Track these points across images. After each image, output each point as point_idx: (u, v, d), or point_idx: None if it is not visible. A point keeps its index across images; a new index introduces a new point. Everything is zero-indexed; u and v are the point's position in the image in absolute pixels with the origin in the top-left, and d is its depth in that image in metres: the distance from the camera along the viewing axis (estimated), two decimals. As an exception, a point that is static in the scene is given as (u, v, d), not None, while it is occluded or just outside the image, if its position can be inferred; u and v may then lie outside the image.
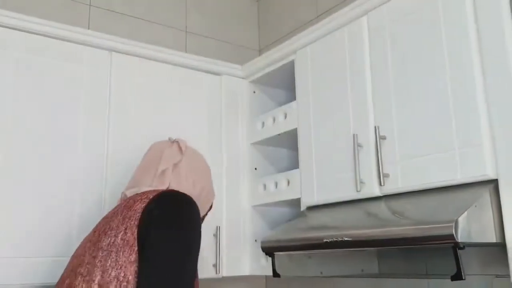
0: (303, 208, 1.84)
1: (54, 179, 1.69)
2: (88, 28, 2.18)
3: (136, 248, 1.18)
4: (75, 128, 1.76)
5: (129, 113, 1.88)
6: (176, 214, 1.25)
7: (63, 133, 1.74)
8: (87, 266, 1.21)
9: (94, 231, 1.33)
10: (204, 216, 1.54)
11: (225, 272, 1.99)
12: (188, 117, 2.04)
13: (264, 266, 1.97)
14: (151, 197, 1.27)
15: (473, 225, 1.20)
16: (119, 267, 1.16)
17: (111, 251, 1.19)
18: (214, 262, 1.95)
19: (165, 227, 1.22)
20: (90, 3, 2.27)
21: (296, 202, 1.91)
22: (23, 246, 1.59)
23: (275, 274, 1.72)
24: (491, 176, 1.27)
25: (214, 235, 1.98)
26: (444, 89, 1.39)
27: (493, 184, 1.27)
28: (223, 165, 2.09)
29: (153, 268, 1.15)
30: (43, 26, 1.76)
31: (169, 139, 1.55)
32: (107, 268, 1.17)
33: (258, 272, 2.02)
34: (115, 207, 1.37)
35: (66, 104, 1.76)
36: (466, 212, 1.18)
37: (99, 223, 1.35)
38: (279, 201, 1.99)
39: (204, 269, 1.93)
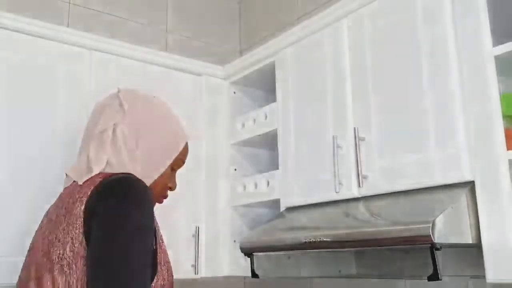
0: (282, 208, 1.84)
1: (30, 181, 1.66)
2: (68, 26, 2.15)
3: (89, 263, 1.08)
4: (53, 127, 1.74)
5: (108, 112, 1.86)
6: (113, 212, 1.10)
7: (41, 132, 1.71)
8: (45, 279, 1.12)
9: (43, 235, 1.20)
10: (174, 166, 1.39)
11: (203, 272, 1.98)
12: (168, 117, 2.03)
13: (243, 267, 1.97)
14: (88, 192, 1.14)
15: (449, 226, 1.21)
16: (74, 280, 1.08)
17: (63, 265, 1.10)
18: (192, 262, 1.94)
19: (108, 225, 1.09)
20: (69, 1, 2.24)
21: (276, 203, 1.91)
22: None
23: (254, 274, 1.72)
24: (468, 178, 1.29)
25: (193, 235, 1.97)
26: (422, 92, 1.41)
27: (470, 186, 1.29)
28: (202, 165, 2.09)
29: (98, 272, 1.05)
30: (22, 23, 1.73)
31: (118, 89, 1.37)
32: (63, 283, 1.09)
33: (237, 273, 2.02)
34: (58, 201, 1.24)
35: (44, 103, 1.73)
36: (443, 214, 1.20)
37: (45, 224, 1.23)
38: (259, 201, 1.99)
39: (183, 270, 1.92)
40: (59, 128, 1.75)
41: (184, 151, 1.40)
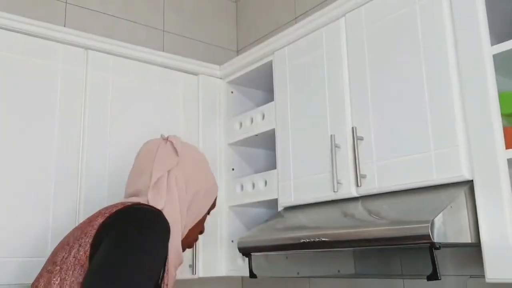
0: (280, 208, 1.84)
1: (28, 179, 1.65)
2: (64, 26, 2.14)
3: (88, 269, 1.09)
4: (50, 127, 1.73)
5: (105, 112, 1.85)
6: (131, 232, 1.12)
7: (37, 132, 1.70)
8: (43, 279, 1.13)
9: (63, 239, 1.24)
10: (209, 210, 1.48)
11: (201, 273, 1.98)
12: (165, 117, 2.02)
13: (240, 267, 1.97)
14: (113, 211, 1.18)
15: (448, 226, 1.21)
16: (67, 287, 1.08)
17: (62, 268, 1.11)
18: (190, 262, 1.94)
19: (114, 245, 1.10)
20: (66, 0, 2.24)
21: (273, 203, 1.91)
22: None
23: (252, 274, 1.71)
24: (467, 177, 1.28)
25: (190, 235, 1.96)
26: (421, 91, 1.40)
27: (469, 185, 1.28)
28: (200, 165, 2.08)
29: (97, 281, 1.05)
30: (18, 22, 1.72)
31: (162, 136, 1.45)
32: (55, 286, 1.09)
33: (234, 273, 2.01)
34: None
35: (40, 102, 1.72)
36: (442, 213, 1.19)
37: (71, 231, 1.27)
38: (256, 201, 1.98)
39: (181, 270, 1.91)
40: (56, 128, 1.74)
41: (217, 196, 1.51)
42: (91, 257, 1.10)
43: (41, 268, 1.23)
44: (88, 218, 1.23)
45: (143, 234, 1.13)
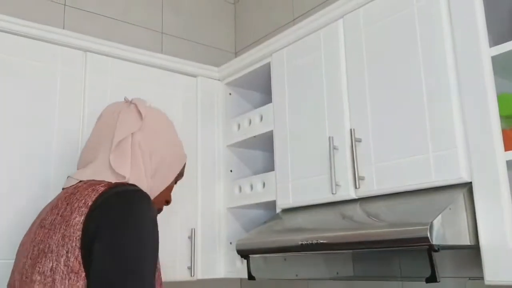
0: (278, 210, 1.84)
1: (27, 183, 1.65)
2: (63, 28, 2.14)
3: (83, 274, 1.04)
4: (49, 129, 1.72)
5: (103, 114, 1.85)
6: (124, 220, 1.07)
7: (36, 135, 1.69)
8: None
9: (33, 241, 1.14)
10: (176, 180, 1.41)
11: (200, 274, 1.97)
12: (163, 119, 2.02)
13: (239, 269, 1.96)
14: (90, 203, 1.09)
15: (447, 228, 1.21)
16: None
17: (55, 279, 1.04)
18: (188, 264, 1.93)
19: (111, 237, 1.05)
20: (65, 2, 2.23)
21: (272, 204, 1.90)
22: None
23: (250, 276, 1.71)
24: (466, 179, 1.28)
25: (189, 237, 1.96)
26: (419, 92, 1.40)
27: (467, 187, 1.28)
28: (198, 167, 2.08)
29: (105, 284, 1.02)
30: (16, 25, 1.71)
31: (125, 99, 1.36)
32: None
33: (233, 275, 2.01)
34: (54, 204, 1.18)
35: (39, 105, 1.72)
36: (440, 215, 1.19)
37: (37, 229, 1.16)
38: (255, 203, 1.98)
39: (179, 272, 1.91)
40: (55, 130, 1.73)
41: (184, 165, 1.42)
42: (84, 258, 1.04)
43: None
44: (60, 216, 1.12)
45: (137, 223, 1.07)
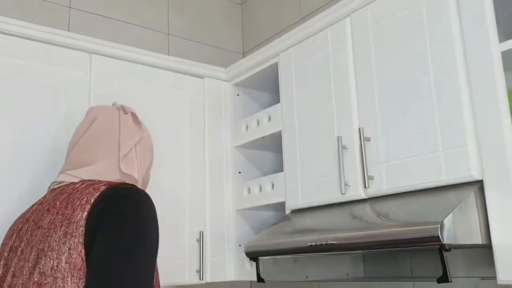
0: (287, 211, 1.82)
1: (32, 185, 1.64)
2: (68, 30, 2.14)
3: (86, 270, 1.03)
4: (54, 132, 1.72)
5: (110, 116, 1.85)
6: (127, 217, 1.08)
7: (42, 137, 1.69)
8: None
9: (30, 243, 1.14)
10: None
11: (208, 278, 1.96)
12: (171, 120, 2.01)
13: (248, 271, 1.95)
14: (92, 200, 1.10)
15: (458, 227, 1.19)
16: None
17: (57, 277, 1.03)
18: (197, 267, 1.92)
19: (113, 235, 1.06)
20: (70, 5, 2.24)
21: (281, 206, 1.89)
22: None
23: (260, 279, 1.69)
24: (476, 177, 1.26)
25: (197, 240, 1.95)
26: (429, 90, 1.38)
27: (478, 185, 1.26)
28: (206, 168, 2.07)
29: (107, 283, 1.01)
30: (22, 28, 1.72)
31: (114, 104, 1.45)
32: None
33: (242, 278, 2.00)
34: (46, 205, 1.18)
35: (45, 107, 1.72)
36: (451, 214, 1.17)
37: (32, 230, 1.16)
38: (264, 204, 1.96)
39: (188, 275, 1.90)
40: (61, 133, 1.73)
41: None
42: (87, 256, 1.04)
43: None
44: (59, 214, 1.12)
45: (141, 222, 1.09)
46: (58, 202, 1.16)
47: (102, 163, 1.28)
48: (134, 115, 1.42)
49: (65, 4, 2.22)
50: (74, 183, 1.20)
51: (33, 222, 1.18)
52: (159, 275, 1.24)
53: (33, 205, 1.26)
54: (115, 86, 1.89)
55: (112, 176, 1.27)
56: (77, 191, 1.15)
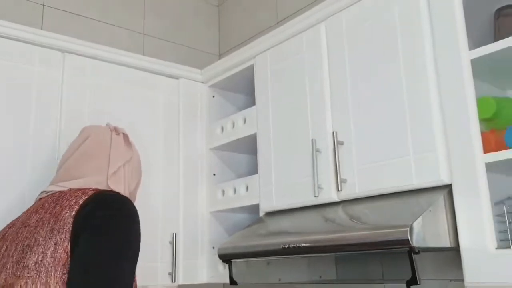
0: (261, 213, 1.82)
1: (2, 183, 1.62)
2: (41, 28, 2.11)
3: (72, 266, 1.07)
4: (25, 131, 1.69)
5: (82, 116, 1.82)
6: (113, 220, 1.13)
7: (12, 136, 1.67)
8: (12, 286, 1.08)
9: (15, 241, 1.16)
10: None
11: (181, 280, 1.95)
12: (145, 121, 2.00)
13: (221, 274, 1.95)
14: (80, 202, 1.15)
15: (427, 230, 1.21)
16: None
17: (40, 271, 1.06)
18: (170, 270, 1.91)
19: (99, 234, 1.10)
20: (43, 2, 2.20)
21: (255, 208, 1.89)
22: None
23: (232, 281, 1.69)
24: (445, 181, 1.28)
25: (170, 242, 1.94)
26: (400, 96, 1.40)
27: (447, 189, 1.28)
28: (180, 170, 2.06)
29: (88, 278, 1.05)
30: (-6, 25, 1.69)
31: (108, 125, 1.51)
32: None
33: (215, 280, 1.99)
34: (34, 208, 1.23)
35: (15, 106, 1.69)
36: (421, 217, 1.19)
37: (19, 229, 1.19)
38: (238, 207, 1.97)
39: (160, 278, 1.89)
40: (31, 131, 1.70)
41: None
42: (72, 252, 1.07)
43: None
44: (47, 213, 1.17)
45: (126, 225, 1.14)
46: (46, 204, 1.21)
47: (91, 178, 1.33)
48: (125, 136, 1.47)
49: (39, 2, 2.19)
50: (62, 191, 1.24)
51: (20, 223, 1.23)
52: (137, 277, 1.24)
53: (21, 214, 1.30)
54: (88, 86, 1.86)
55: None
56: (66, 194, 1.20)
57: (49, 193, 1.28)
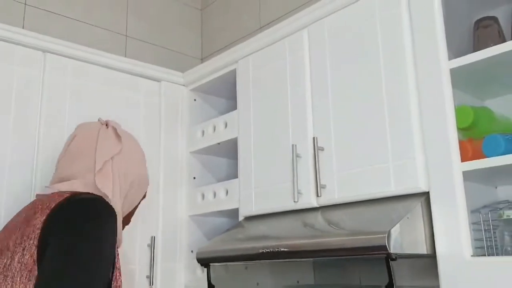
0: (241, 218, 1.82)
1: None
2: (23, 27, 2.08)
3: (36, 273, 1.04)
4: (4, 130, 1.67)
5: (62, 117, 1.80)
6: (83, 224, 1.10)
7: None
8: None
9: None
10: (136, 206, 1.45)
11: (159, 284, 1.94)
12: (125, 123, 1.94)
13: (199, 278, 1.94)
14: (52, 206, 1.11)
15: (405, 237, 1.22)
16: None
17: (7, 276, 1.05)
18: (147, 273, 1.90)
19: (67, 239, 1.06)
20: (25, 2, 2.18)
21: (235, 212, 1.89)
22: None
23: (210, 285, 1.69)
24: (423, 188, 1.30)
25: (148, 245, 1.92)
26: (380, 103, 1.42)
27: (425, 196, 1.30)
28: (160, 173, 2.05)
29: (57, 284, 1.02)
30: (-27, 23, 1.67)
31: (100, 120, 1.42)
32: None
33: (193, 284, 1.98)
34: (20, 211, 1.22)
35: (-5, 105, 1.67)
36: (398, 224, 1.20)
37: (2, 229, 1.21)
38: (217, 211, 1.96)
39: (137, 281, 1.87)
40: (10, 131, 1.68)
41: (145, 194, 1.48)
42: (39, 259, 1.05)
43: None
44: (23, 217, 1.15)
45: (94, 227, 1.10)
46: (27, 207, 1.20)
47: (79, 179, 1.28)
48: (115, 129, 1.38)
49: (21, 1, 2.17)
50: (48, 194, 1.22)
51: (4, 226, 1.22)
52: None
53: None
54: (69, 86, 1.84)
55: (88, 190, 1.26)
56: (46, 197, 1.19)
57: (44, 195, 1.25)
